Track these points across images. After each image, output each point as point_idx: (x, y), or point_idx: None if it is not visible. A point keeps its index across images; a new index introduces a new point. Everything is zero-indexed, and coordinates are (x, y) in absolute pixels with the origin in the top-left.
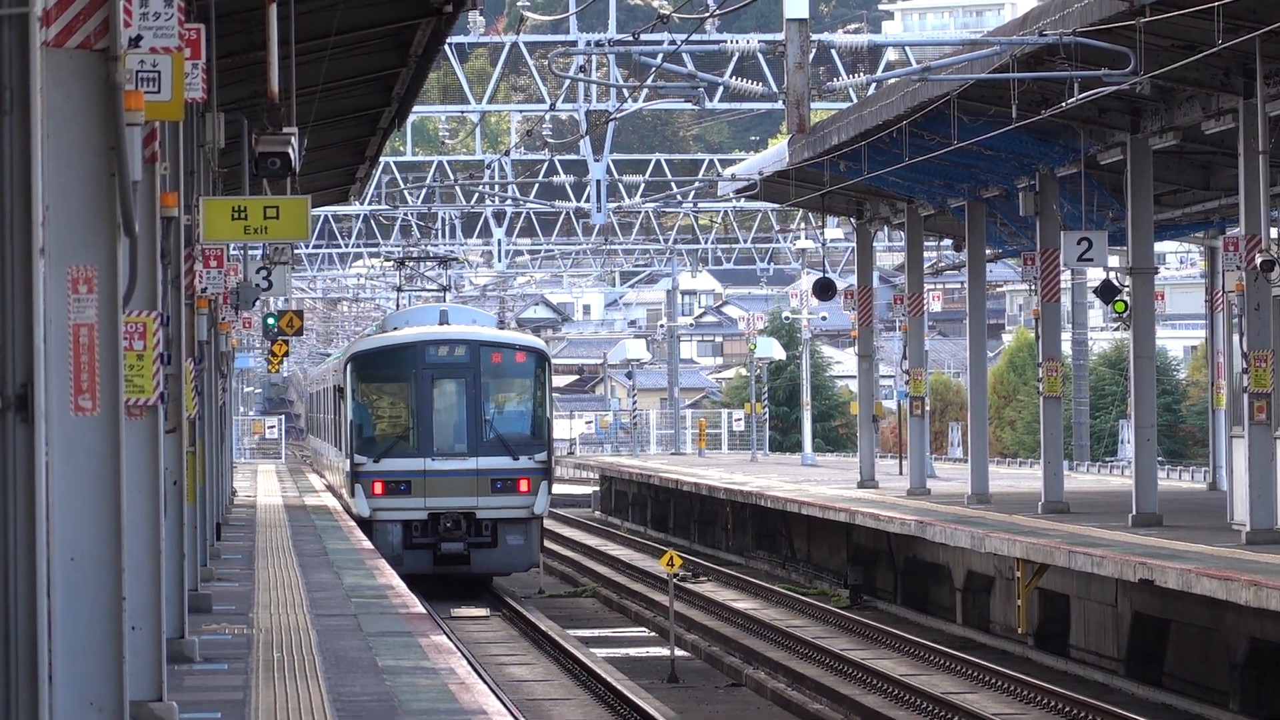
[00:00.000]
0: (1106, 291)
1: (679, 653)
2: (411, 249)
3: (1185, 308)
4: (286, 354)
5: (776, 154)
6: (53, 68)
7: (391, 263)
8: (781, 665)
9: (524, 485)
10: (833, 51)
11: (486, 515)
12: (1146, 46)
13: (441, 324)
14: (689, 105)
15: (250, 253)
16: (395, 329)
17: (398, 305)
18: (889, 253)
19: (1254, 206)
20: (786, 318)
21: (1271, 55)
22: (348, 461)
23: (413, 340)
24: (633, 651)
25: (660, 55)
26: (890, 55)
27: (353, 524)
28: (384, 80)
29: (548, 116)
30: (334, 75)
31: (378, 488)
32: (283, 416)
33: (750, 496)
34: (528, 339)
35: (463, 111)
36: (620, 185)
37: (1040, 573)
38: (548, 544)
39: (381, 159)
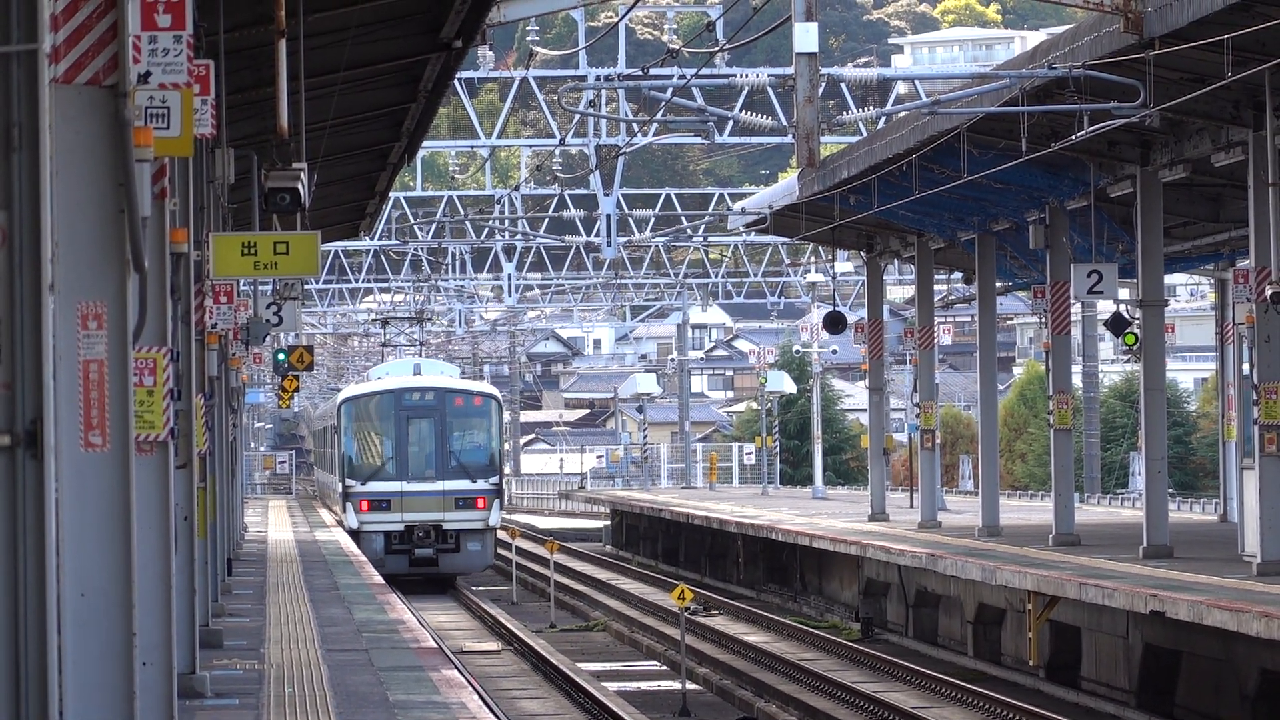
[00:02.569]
0: (1117, 324)
1: (691, 686)
2: (394, 311)
3: (1196, 340)
4: (297, 389)
5: (786, 188)
6: (62, 104)
7: (376, 321)
8: (793, 698)
9: (481, 503)
10: (842, 85)
11: (451, 526)
12: (1156, 79)
13: (416, 375)
14: (698, 139)
15: (260, 288)
16: (379, 379)
17: (383, 357)
18: (899, 286)
19: (1264, 239)
20: (797, 351)
21: None
22: (341, 484)
23: (392, 388)
24: (644, 685)
25: (670, 90)
26: (900, 89)
27: (364, 559)
28: (394, 115)
29: (557, 151)
30: (343, 110)
31: (364, 505)
32: (293, 452)
33: (761, 530)
34: (484, 387)
35: (472, 146)
36: (630, 219)
37: (1051, 605)
38: (559, 578)
39: (391, 194)
